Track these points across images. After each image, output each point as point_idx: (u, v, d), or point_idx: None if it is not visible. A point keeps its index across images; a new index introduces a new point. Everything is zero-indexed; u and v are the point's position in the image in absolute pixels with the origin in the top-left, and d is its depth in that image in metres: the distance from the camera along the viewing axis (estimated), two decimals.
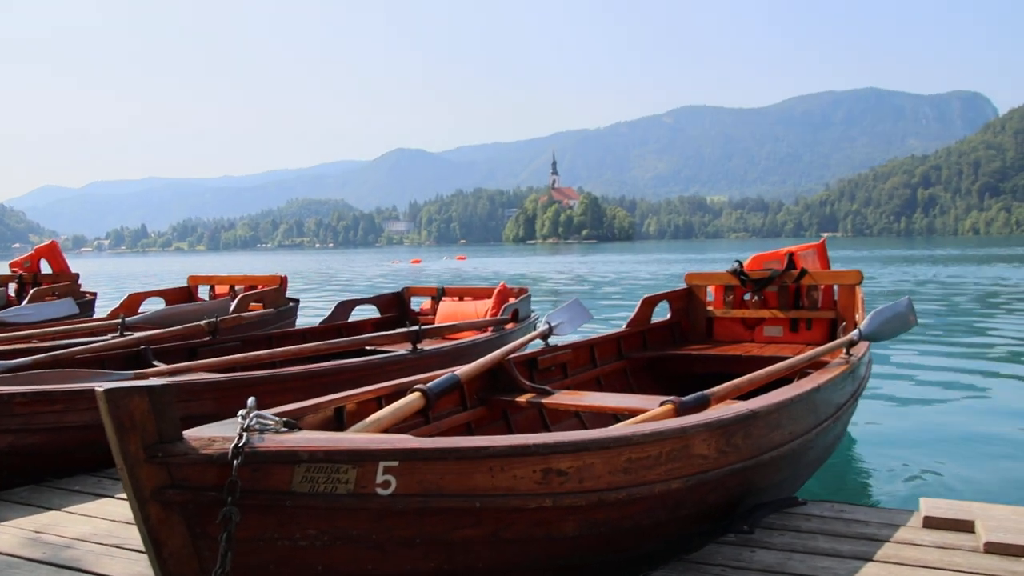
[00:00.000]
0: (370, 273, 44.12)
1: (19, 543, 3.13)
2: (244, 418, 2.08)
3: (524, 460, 2.28)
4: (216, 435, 2.03)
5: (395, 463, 2.10)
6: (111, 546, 3.07)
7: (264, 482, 2.00)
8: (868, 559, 2.83)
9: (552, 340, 5.06)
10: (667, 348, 5.80)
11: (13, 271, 10.94)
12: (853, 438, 5.80)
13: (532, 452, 2.29)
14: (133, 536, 3.16)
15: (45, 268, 11.16)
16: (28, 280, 10.66)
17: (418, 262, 65.16)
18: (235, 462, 1.95)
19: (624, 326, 5.71)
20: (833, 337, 5.68)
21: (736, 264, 6.10)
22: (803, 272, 5.92)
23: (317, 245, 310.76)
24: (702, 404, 3.44)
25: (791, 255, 6.08)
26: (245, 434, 2.01)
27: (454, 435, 4.05)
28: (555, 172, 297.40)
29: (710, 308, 6.18)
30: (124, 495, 3.67)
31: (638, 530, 2.67)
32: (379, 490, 2.08)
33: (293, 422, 2.22)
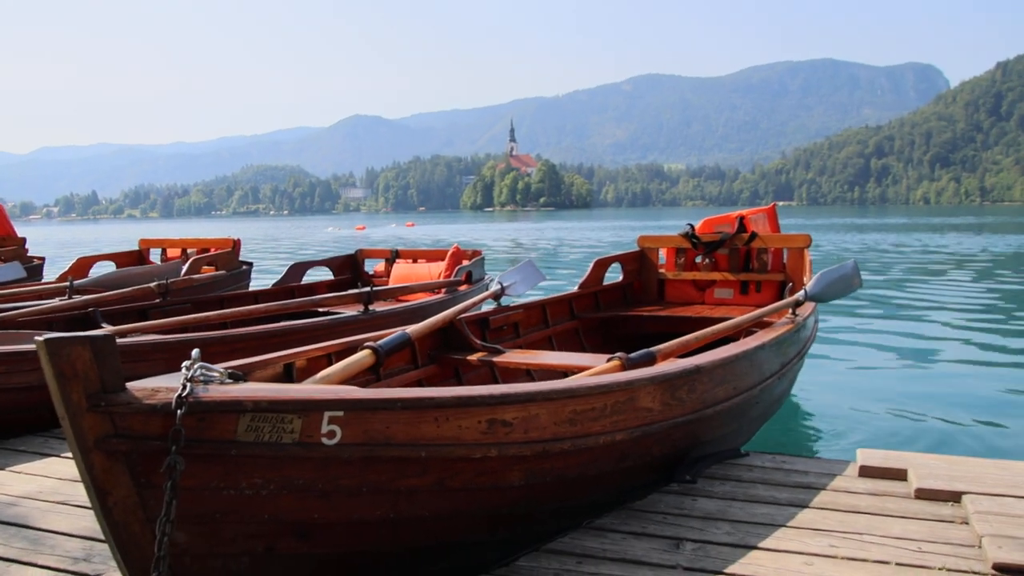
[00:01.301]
0: (314, 239, 43.85)
1: None
2: (188, 369, 2.08)
3: (469, 411, 2.31)
4: (160, 385, 2.03)
5: (340, 413, 2.11)
6: (57, 503, 3.07)
7: (209, 431, 2.00)
8: (804, 506, 2.92)
9: (505, 300, 5.08)
10: (619, 309, 5.86)
11: None
12: (798, 395, 5.94)
13: (477, 403, 2.33)
14: (79, 493, 3.16)
15: None
16: None
17: (362, 228, 64.83)
18: (179, 411, 1.95)
19: (576, 287, 5.76)
20: (782, 299, 5.79)
21: (688, 227, 6.17)
22: (753, 235, 6.01)
23: (272, 212, 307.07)
24: (648, 360, 3.50)
25: (742, 219, 6.16)
26: (189, 384, 2.01)
27: None
28: (513, 139, 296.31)
29: (662, 271, 6.25)
30: (70, 454, 3.65)
31: (583, 480, 2.72)
32: (324, 440, 2.10)
33: (239, 374, 2.22)
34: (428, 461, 2.25)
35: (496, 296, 4.98)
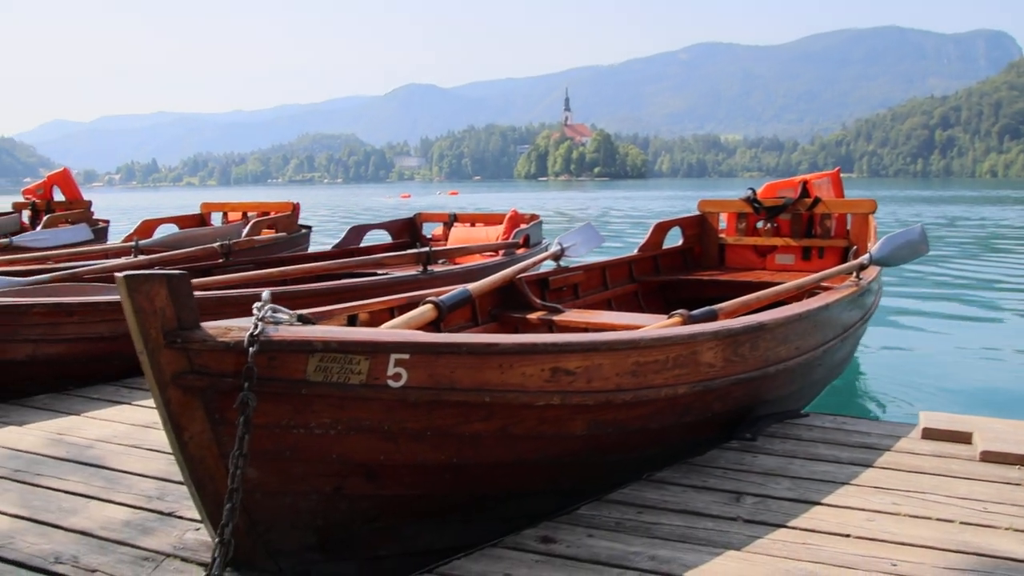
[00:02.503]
0: (361, 206, 44.25)
1: (42, 443, 3.22)
2: (259, 310, 2.12)
3: (533, 358, 2.32)
4: (233, 325, 2.08)
5: (406, 356, 2.14)
6: (130, 446, 3.17)
7: (279, 370, 2.05)
8: (867, 465, 2.90)
9: (564, 262, 5.09)
10: (678, 273, 5.83)
11: (27, 198, 10.97)
12: (860, 360, 5.85)
13: (541, 351, 2.34)
14: (150, 438, 3.26)
15: (58, 196, 11.19)
16: (41, 207, 10.70)
17: (407, 197, 65.28)
18: (251, 349, 1.99)
19: (636, 250, 5.73)
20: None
21: (750, 192, 6.09)
22: (816, 200, 5.91)
23: (327, 180, 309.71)
24: (710, 317, 3.48)
25: (805, 183, 6.06)
26: (260, 323, 2.05)
27: None
28: (568, 109, 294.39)
29: (722, 235, 6.19)
30: (141, 402, 3.77)
31: (644, 432, 2.73)
32: (390, 382, 2.13)
33: (308, 317, 2.27)
34: (492, 407, 2.27)
35: (556, 257, 4.99)
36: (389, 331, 2.33)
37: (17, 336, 3.96)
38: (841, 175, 6.58)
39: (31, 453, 3.11)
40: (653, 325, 3.35)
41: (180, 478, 2.71)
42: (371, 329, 2.38)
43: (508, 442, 2.37)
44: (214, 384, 2.01)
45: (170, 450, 3.02)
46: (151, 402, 3.75)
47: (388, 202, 56.27)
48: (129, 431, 3.35)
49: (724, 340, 2.93)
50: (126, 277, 1.92)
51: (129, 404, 3.78)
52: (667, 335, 2.72)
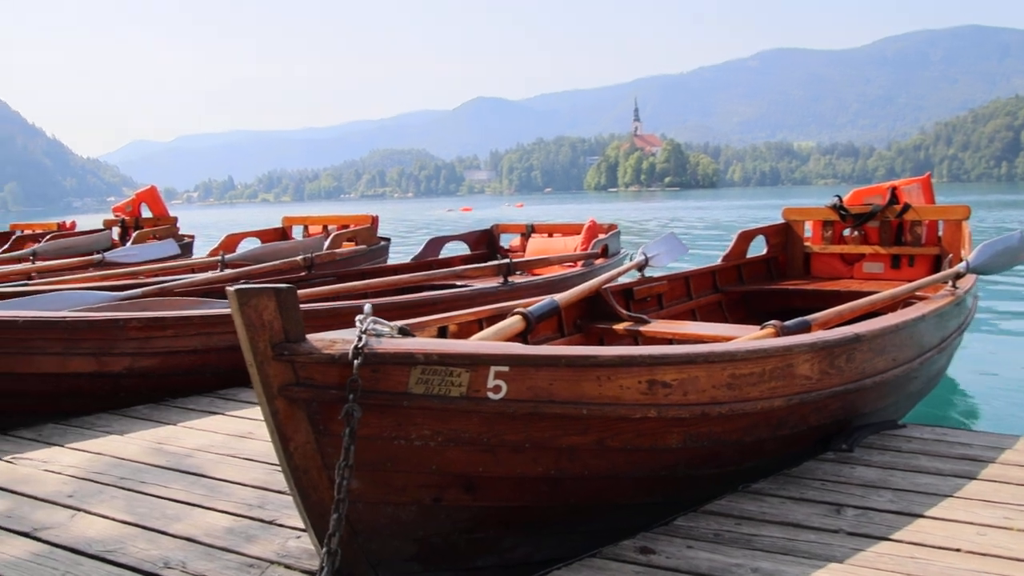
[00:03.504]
0: (422, 219, 44.67)
1: (144, 452, 3.32)
2: (362, 322, 2.16)
3: (630, 370, 2.31)
4: (337, 337, 2.11)
5: (506, 368, 2.15)
6: (227, 455, 3.24)
7: (382, 383, 2.07)
8: (972, 477, 2.81)
9: (647, 272, 5.06)
10: (763, 283, 5.74)
11: (116, 215, 11.34)
12: (957, 371, 5.67)
13: (638, 363, 2.33)
14: (246, 448, 3.33)
15: (146, 213, 11.54)
16: (130, 224, 11.05)
17: (468, 210, 65.61)
18: (356, 362, 2.02)
19: (719, 260, 5.67)
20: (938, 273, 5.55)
21: (836, 199, 5.97)
22: (906, 207, 5.75)
23: (397, 195, 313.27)
24: (803, 328, 3.42)
25: (894, 189, 5.90)
26: (364, 336, 2.08)
27: None
28: (637, 119, 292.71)
29: (808, 244, 6.07)
30: (235, 412, 3.86)
31: (740, 446, 2.69)
32: (490, 394, 2.14)
33: (407, 329, 2.29)
34: (589, 420, 2.27)
35: (640, 267, 4.96)
36: (489, 344, 2.34)
37: (115, 349, 4.08)
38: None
39: (134, 461, 3.21)
40: (745, 337, 3.30)
41: (279, 487, 2.78)
42: (471, 342, 2.40)
43: (605, 454, 2.36)
44: (319, 395, 2.04)
45: (267, 460, 3.10)
46: (245, 413, 3.85)
47: (448, 215, 56.75)
48: (226, 441, 3.43)
49: (820, 352, 2.87)
50: (237, 291, 1.97)
51: (223, 415, 3.87)
52: (763, 347, 2.68)
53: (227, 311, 4.55)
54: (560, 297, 3.95)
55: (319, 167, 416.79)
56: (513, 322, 3.53)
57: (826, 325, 3.58)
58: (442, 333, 3.38)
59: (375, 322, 2.18)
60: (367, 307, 2.24)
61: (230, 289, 1.98)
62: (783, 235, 6.10)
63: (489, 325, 3.58)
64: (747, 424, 2.65)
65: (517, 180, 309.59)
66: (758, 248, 6.04)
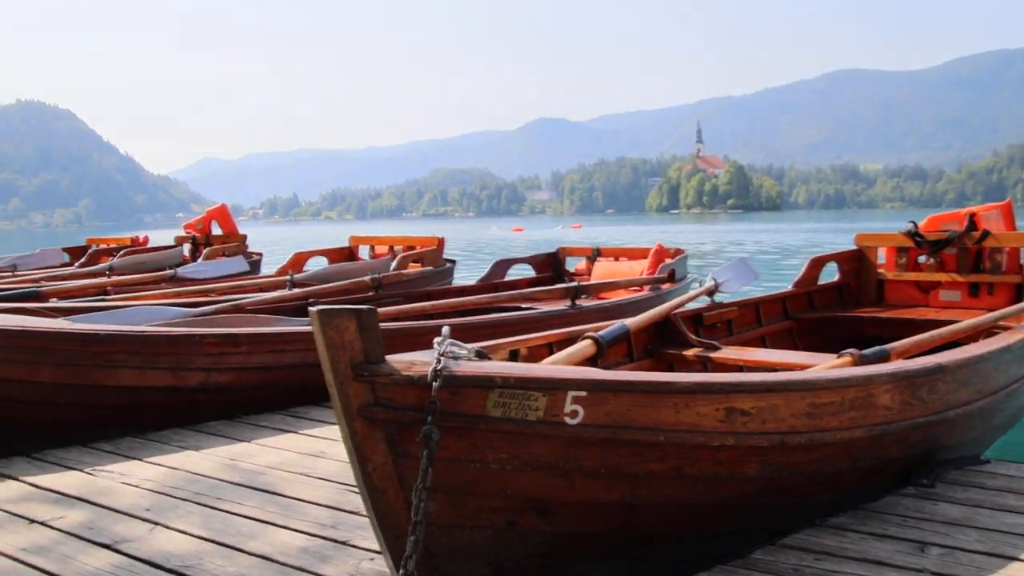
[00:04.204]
0: (474, 239, 44.86)
1: (218, 468, 3.37)
2: (440, 344, 2.16)
3: (709, 397, 2.28)
4: (416, 359, 2.12)
5: (584, 393, 2.13)
6: (300, 474, 3.27)
7: (461, 405, 2.07)
8: None
9: (717, 297, 5.00)
10: (835, 310, 5.62)
11: (187, 232, 11.60)
12: None
13: (717, 390, 2.30)
14: (319, 467, 3.36)
15: (216, 230, 11.78)
16: (201, 240, 11.28)
17: (520, 230, 65.64)
18: (435, 384, 2.03)
19: (790, 286, 5.57)
20: (1019, 302, 5.37)
21: (911, 225, 5.83)
22: (985, 233, 5.59)
23: (458, 214, 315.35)
24: (882, 358, 3.34)
25: (972, 216, 5.74)
26: (443, 358, 2.09)
27: None
28: (700, 140, 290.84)
29: (881, 270, 5.94)
30: (307, 431, 3.90)
31: (818, 476, 2.63)
32: (567, 419, 2.13)
33: (484, 352, 2.29)
34: (666, 447, 2.24)
35: (710, 292, 4.90)
36: (567, 368, 2.33)
37: (191, 364, 4.16)
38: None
39: (209, 477, 3.26)
40: (822, 365, 3.24)
41: (352, 508, 2.79)
42: (549, 366, 2.39)
43: (681, 482, 2.32)
44: (397, 417, 2.05)
45: (339, 479, 3.12)
46: (317, 431, 3.89)
47: (498, 235, 56.96)
48: (298, 459, 3.47)
49: (902, 382, 2.80)
50: (319, 311, 1.99)
51: (295, 433, 3.91)
52: (843, 376, 2.62)
53: (298, 329, 4.62)
54: (630, 322, 3.92)
55: (382, 186, 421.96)
56: (584, 346, 3.52)
57: (905, 354, 3.49)
58: (513, 356, 3.37)
59: (453, 344, 2.18)
60: (445, 329, 2.25)
61: (313, 309, 2.01)
62: (856, 261, 5.97)
63: (560, 349, 3.57)
64: (826, 455, 2.60)
65: (578, 201, 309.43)
66: (829, 275, 5.93)
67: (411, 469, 2.06)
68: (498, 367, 2.15)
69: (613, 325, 3.80)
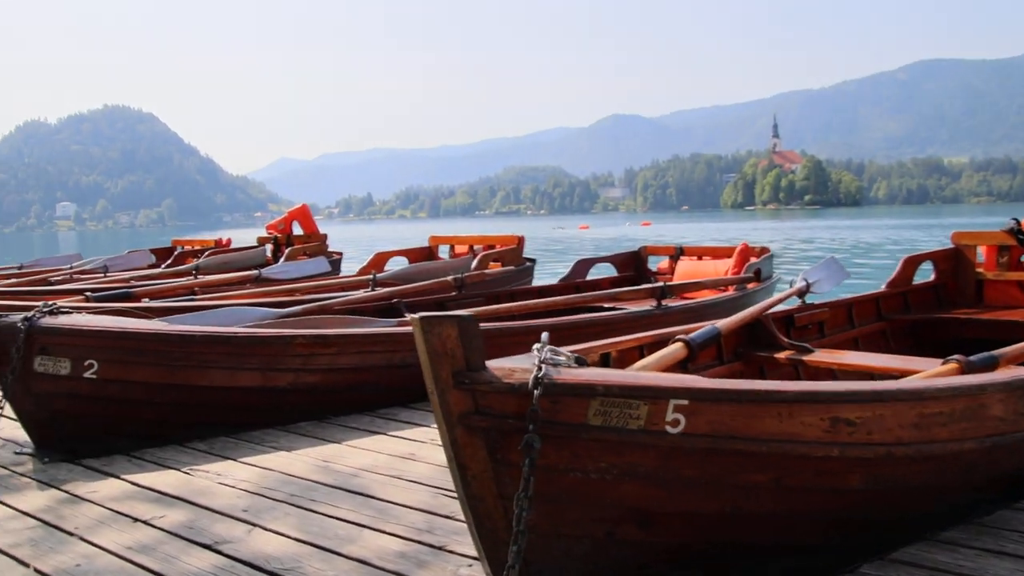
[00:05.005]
0: (537, 236, 44.88)
1: (311, 469, 3.41)
2: (539, 351, 2.14)
3: (814, 407, 2.21)
4: (516, 366, 2.10)
5: (685, 402, 2.09)
6: (392, 477, 3.28)
7: (561, 413, 2.05)
8: None
9: (809, 298, 4.88)
10: (931, 311, 5.43)
11: (269, 232, 11.81)
12: None
13: (822, 399, 2.22)
14: (410, 469, 3.37)
15: (296, 230, 11.97)
16: (283, 241, 11.47)
17: (585, 228, 65.25)
18: (535, 392, 2.01)
19: (883, 286, 5.40)
20: None
21: (1013, 222, 5.59)
22: None
23: (530, 212, 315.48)
24: (990, 365, 3.21)
25: None
26: (543, 366, 2.07)
27: None
28: (776, 135, 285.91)
29: (980, 270, 5.71)
30: (397, 432, 3.92)
31: (926, 489, 2.53)
32: (668, 428, 2.09)
33: (583, 358, 2.26)
34: (768, 457, 2.18)
35: (801, 293, 4.78)
36: (669, 376, 2.28)
37: (281, 365, 4.22)
38: None
39: (303, 479, 3.29)
40: (927, 372, 3.12)
41: (446, 512, 2.79)
42: (650, 373, 2.35)
43: (783, 494, 2.26)
44: (497, 425, 2.04)
45: (431, 483, 3.13)
46: (406, 433, 3.91)
47: (563, 233, 56.85)
48: (389, 461, 3.48)
49: (1017, 392, 2.67)
50: (422, 319, 1.98)
51: (385, 434, 3.93)
52: (953, 385, 2.52)
53: (386, 330, 4.66)
54: (721, 324, 3.85)
55: (454, 184, 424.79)
56: (675, 349, 3.46)
57: (1015, 361, 3.34)
58: (605, 360, 3.33)
59: (552, 350, 2.16)
60: (544, 335, 2.23)
61: (414, 317, 2.00)
62: (953, 260, 5.75)
63: (650, 352, 3.52)
64: (935, 467, 2.50)
65: (652, 198, 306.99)
66: (924, 275, 5.74)
67: (510, 477, 2.04)
68: (599, 375, 2.12)
69: (704, 327, 3.73)
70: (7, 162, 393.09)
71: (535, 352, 2.15)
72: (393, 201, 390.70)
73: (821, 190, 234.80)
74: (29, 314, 3.75)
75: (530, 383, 2.02)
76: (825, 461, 2.25)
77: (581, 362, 2.24)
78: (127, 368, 3.85)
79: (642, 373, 2.26)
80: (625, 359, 3.41)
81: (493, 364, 2.11)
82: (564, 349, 2.90)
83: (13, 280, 9.22)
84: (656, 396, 2.07)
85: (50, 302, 3.94)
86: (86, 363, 3.80)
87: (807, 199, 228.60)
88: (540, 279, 9.45)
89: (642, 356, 3.48)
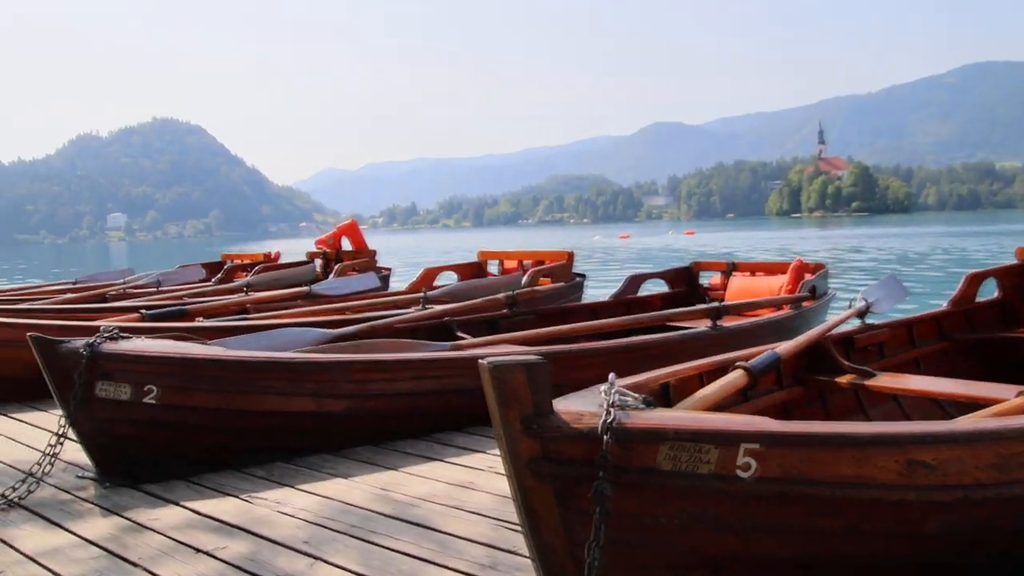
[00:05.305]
0: (584, 247, 44.72)
1: (370, 499, 3.40)
2: (608, 393, 2.11)
3: (889, 450, 2.15)
4: (583, 410, 2.07)
5: (756, 446, 2.04)
6: (451, 507, 3.26)
7: (631, 459, 2.02)
8: None
9: (867, 319, 4.79)
10: (995, 330, 5.29)
11: (319, 248, 11.91)
12: None
13: (898, 442, 2.16)
14: (469, 499, 3.34)
15: (345, 245, 12.06)
16: (332, 256, 11.56)
17: (626, 237, 64.98)
18: (605, 438, 1.98)
19: (945, 304, 5.28)
20: None
21: None
22: None
23: (573, 221, 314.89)
24: None
25: None
26: (612, 410, 2.04)
27: (772, 414, 3.95)
28: (822, 141, 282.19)
29: None
30: (453, 459, 3.90)
31: (1010, 533, 2.45)
32: (740, 472, 2.04)
33: (651, 399, 2.23)
34: (842, 501, 2.12)
35: (861, 313, 4.69)
36: (739, 418, 2.24)
37: (337, 390, 4.22)
38: None
39: (362, 508, 3.28)
40: (1002, 406, 3.03)
41: (508, 547, 2.77)
42: (720, 416, 2.30)
43: (857, 539, 2.20)
44: (566, 471, 2.01)
45: (491, 514, 3.11)
46: (462, 460, 3.89)
47: (601, 243, 56.74)
48: (448, 490, 3.46)
49: None
50: (491, 366, 1.96)
51: (441, 461, 3.91)
52: None
53: (441, 355, 4.65)
54: (781, 349, 3.78)
55: (498, 193, 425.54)
56: (736, 377, 3.41)
57: None
58: (665, 389, 3.29)
59: (620, 393, 2.13)
60: (612, 376, 2.20)
61: (483, 363, 1.99)
62: (1018, 276, 5.60)
63: (710, 379, 3.46)
64: (1018, 509, 2.41)
65: (696, 206, 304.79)
66: (988, 291, 5.60)
67: (581, 524, 2.01)
68: (669, 418, 2.09)
69: (764, 353, 3.67)
70: (61, 175, 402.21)
71: (602, 393, 2.12)
72: (437, 210, 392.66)
73: (868, 196, 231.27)
74: (91, 340, 3.79)
75: (599, 428, 1.99)
76: (900, 505, 2.18)
77: (649, 403, 2.20)
78: (186, 394, 3.88)
79: (712, 416, 2.21)
80: (685, 387, 3.36)
81: (561, 407, 2.08)
82: (628, 381, 2.86)
83: (70, 296, 9.39)
84: (727, 440, 2.03)
85: (110, 326, 3.98)
86: (146, 388, 3.83)
87: (854, 206, 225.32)
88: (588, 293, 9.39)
89: (702, 384, 3.43)
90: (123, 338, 3.96)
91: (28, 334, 3.79)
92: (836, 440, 2.11)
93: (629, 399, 2.14)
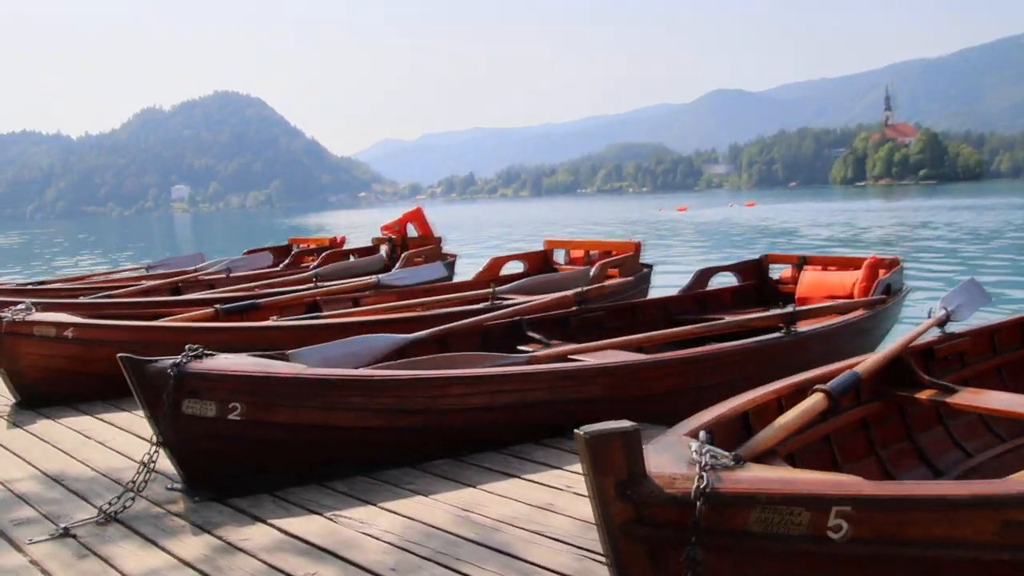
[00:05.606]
0: (636, 218, 44.18)
1: (453, 521, 3.45)
2: (699, 455, 2.13)
3: (985, 511, 2.13)
4: (676, 472, 2.10)
5: (848, 508, 2.05)
6: (534, 532, 3.29)
7: (724, 523, 2.04)
8: None
9: (948, 327, 4.69)
10: None
11: (384, 234, 12.04)
12: None
13: (995, 504, 2.14)
14: (552, 524, 3.38)
15: (411, 232, 12.16)
16: (398, 243, 11.69)
17: (683, 209, 64.32)
18: (698, 503, 2.00)
19: None
20: None
21: None
22: None
23: (632, 190, 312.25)
24: None
25: None
26: (705, 475, 2.06)
27: (850, 431, 3.92)
28: (888, 107, 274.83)
29: None
30: (531, 476, 3.95)
31: None
32: (831, 534, 2.05)
33: (740, 456, 2.24)
34: (934, 562, 2.11)
35: (941, 323, 4.60)
36: (830, 479, 2.23)
37: (415, 405, 4.29)
38: None
39: (446, 532, 3.33)
40: None
41: None
42: (811, 476, 2.30)
43: None
44: (659, 535, 2.04)
45: (572, 541, 3.15)
46: (541, 478, 3.94)
47: (660, 215, 56.29)
48: (529, 513, 3.49)
49: None
50: (587, 436, 2.00)
51: (520, 478, 3.95)
52: None
53: (516, 370, 4.68)
54: (861, 368, 3.74)
55: (556, 162, 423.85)
56: (816, 401, 3.39)
57: None
58: (744, 418, 3.28)
59: (712, 455, 2.15)
60: (703, 435, 2.22)
61: (579, 433, 2.02)
62: None
63: (788, 404, 3.45)
64: None
65: (757, 174, 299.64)
66: None
67: None
68: (761, 480, 2.10)
69: (844, 374, 3.63)
70: (127, 147, 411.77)
71: (694, 454, 2.14)
72: (495, 180, 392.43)
73: (937, 164, 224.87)
74: (177, 360, 3.92)
75: (692, 494, 2.02)
76: (996, 566, 2.17)
77: (738, 460, 2.22)
78: (269, 410, 3.99)
79: (803, 476, 2.21)
80: (764, 414, 3.35)
81: (653, 466, 2.11)
82: (711, 416, 2.86)
83: (145, 285, 9.66)
84: (818, 504, 2.04)
85: (195, 346, 4.09)
86: (231, 405, 3.95)
87: (922, 174, 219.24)
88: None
89: (780, 408, 3.42)
90: (207, 355, 4.08)
91: (118, 355, 3.93)
92: (931, 503, 2.09)
93: (719, 459, 2.15)
